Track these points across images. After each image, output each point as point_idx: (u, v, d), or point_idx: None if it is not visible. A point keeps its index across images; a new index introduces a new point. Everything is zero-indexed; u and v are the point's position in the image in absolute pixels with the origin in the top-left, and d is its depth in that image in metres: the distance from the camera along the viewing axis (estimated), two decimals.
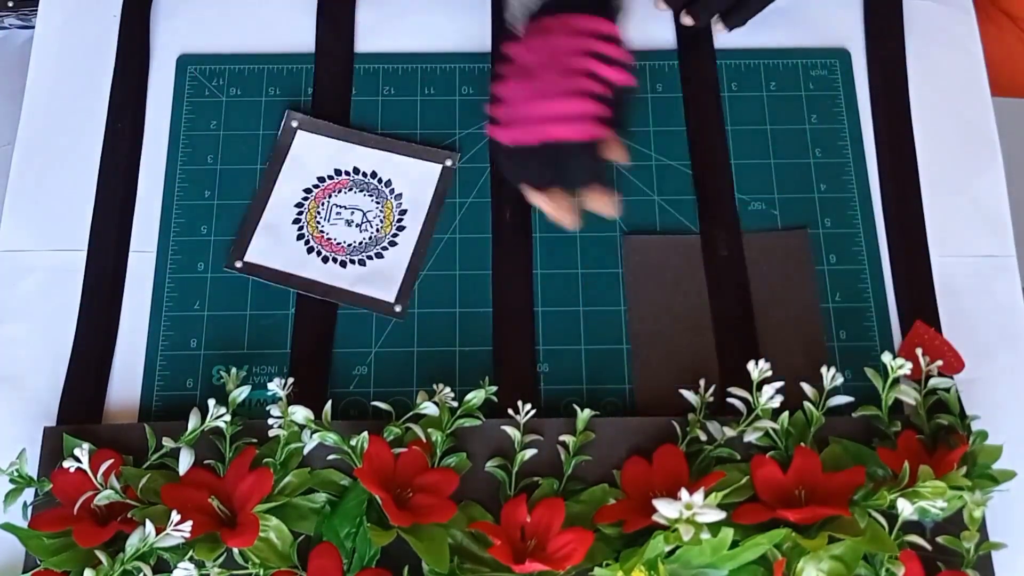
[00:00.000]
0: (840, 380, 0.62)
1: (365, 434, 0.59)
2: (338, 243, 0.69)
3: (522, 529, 0.58)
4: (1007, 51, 0.85)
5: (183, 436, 0.61)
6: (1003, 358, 0.67)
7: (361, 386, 0.67)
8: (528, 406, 0.62)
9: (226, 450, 0.62)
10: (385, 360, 0.68)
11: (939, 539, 0.58)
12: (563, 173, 0.63)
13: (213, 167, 0.73)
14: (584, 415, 0.63)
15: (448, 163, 0.71)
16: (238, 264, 0.68)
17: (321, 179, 0.70)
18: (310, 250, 0.68)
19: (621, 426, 0.63)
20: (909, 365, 0.61)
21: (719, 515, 0.52)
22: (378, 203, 0.69)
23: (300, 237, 0.69)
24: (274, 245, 0.69)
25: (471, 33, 0.77)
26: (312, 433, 0.59)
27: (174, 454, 0.61)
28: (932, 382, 0.63)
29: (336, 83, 0.75)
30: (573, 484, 0.62)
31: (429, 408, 0.61)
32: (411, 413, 0.62)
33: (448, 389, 0.63)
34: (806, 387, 0.63)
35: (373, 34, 0.77)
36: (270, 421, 0.60)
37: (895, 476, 0.58)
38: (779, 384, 0.61)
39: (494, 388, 0.63)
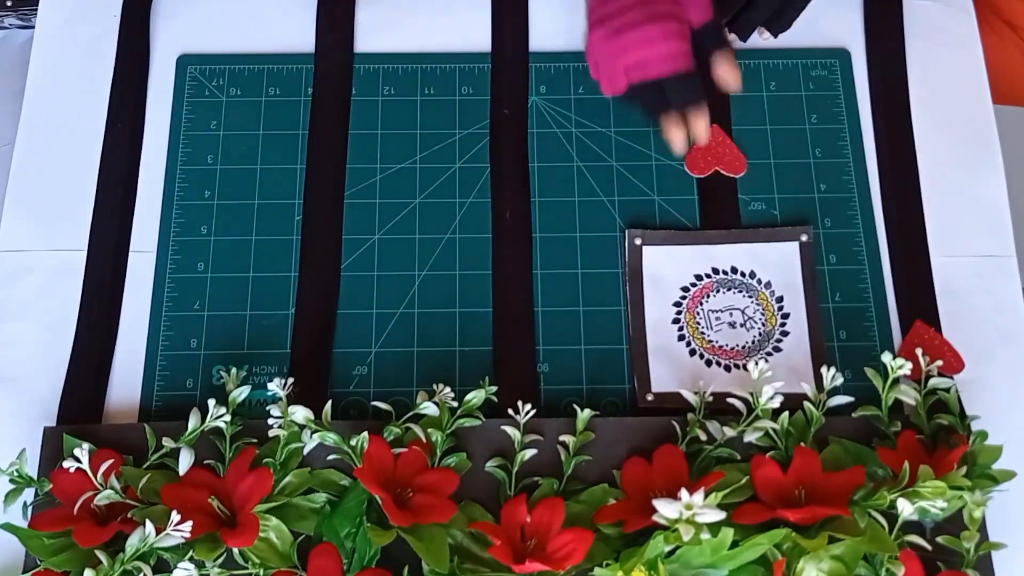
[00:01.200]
0: (840, 380, 0.62)
1: (365, 434, 0.59)
2: (731, 348, 0.67)
3: (522, 529, 0.58)
4: (1008, 60, 0.85)
5: (183, 436, 0.61)
6: (1003, 358, 0.67)
7: (361, 386, 0.67)
8: (528, 406, 0.62)
9: (226, 450, 0.62)
10: (385, 360, 0.68)
11: (939, 539, 0.58)
12: (664, 101, 0.68)
13: (213, 167, 0.73)
14: (584, 415, 0.63)
15: (804, 238, 0.69)
16: (649, 397, 0.66)
17: (686, 289, 0.69)
18: (708, 363, 0.67)
19: (621, 426, 0.63)
20: (909, 365, 0.61)
21: (719, 515, 0.52)
22: (752, 297, 0.68)
23: (692, 353, 0.67)
24: (674, 370, 0.67)
25: (471, 33, 0.77)
26: (312, 433, 0.59)
27: (174, 454, 0.61)
28: (932, 382, 0.63)
29: (336, 83, 0.75)
30: (573, 484, 0.62)
31: (429, 408, 0.61)
32: (411, 413, 0.62)
33: (448, 389, 0.63)
34: (806, 387, 0.63)
35: (373, 34, 0.77)
36: (270, 421, 0.60)
37: (895, 476, 0.57)
38: (779, 384, 0.61)
39: (494, 388, 0.63)
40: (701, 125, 0.68)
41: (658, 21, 0.66)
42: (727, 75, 0.70)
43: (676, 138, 0.69)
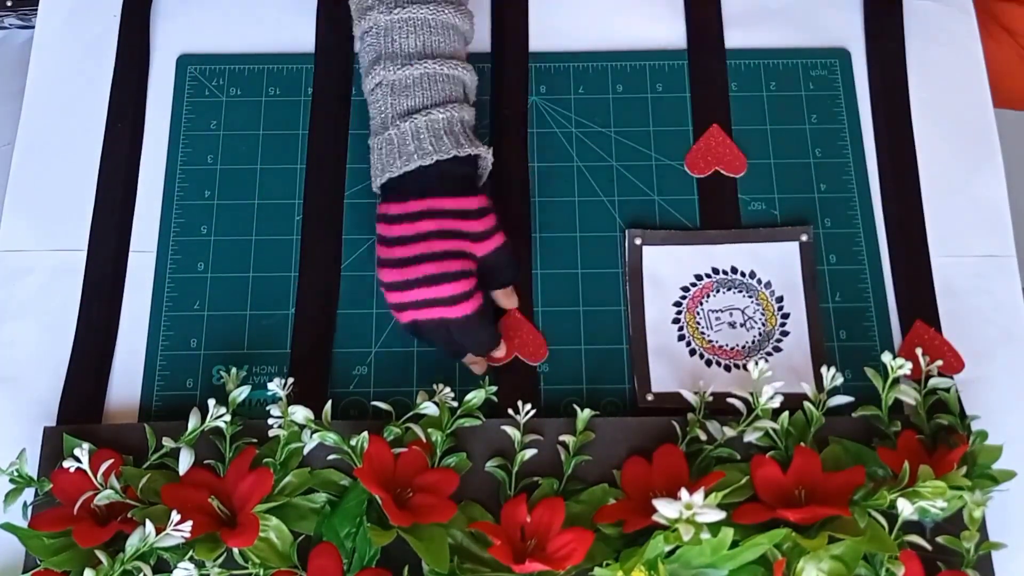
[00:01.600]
0: (840, 380, 0.62)
1: (365, 434, 0.59)
2: (731, 348, 0.67)
3: (522, 529, 0.58)
4: (1005, 65, 0.85)
5: (183, 436, 0.61)
6: (1003, 358, 0.67)
7: (361, 386, 0.67)
8: (528, 406, 0.62)
9: (226, 450, 0.62)
10: (385, 360, 0.68)
11: (939, 539, 0.58)
12: (460, 344, 0.64)
13: (213, 167, 0.73)
14: (584, 415, 0.63)
15: (804, 238, 0.69)
16: (649, 397, 0.66)
17: (686, 289, 0.69)
18: (708, 363, 0.67)
19: (621, 426, 0.63)
20: (909, 365, 0.61)
21: (719, 515, 0.52)
22: (752, 297, 0.68)
23: (692, 353, 0.67)
24: (674, 369, 0.67)
25: None
26: (312, 433, 0.59)
27: (174, 454, 0.61)
28: (932, 382, 0.63)
29: (336, 83, 0.75)
30: (573, 484, 0.62)
31: (429, 408, 0.61)
32: (411, 413, 0.62)
33: (448, 389, 0.63)
34: (806, 387, 0.63)
35: None
36: (270, 421, 0.60)
37: (895, 476, 0.57)
38: (779, 384, 0.61)
39: (494, 388, 0.63)
40: (479, 368, 0.66)
41: (449, 281, 0.61)
42: (506, 305, 0.67)
43: (476, 369, 0.67)
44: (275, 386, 0.61)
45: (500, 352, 0.66)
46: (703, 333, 0.68)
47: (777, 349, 0.68)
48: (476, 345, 0.65)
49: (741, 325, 0.68)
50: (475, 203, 0.64)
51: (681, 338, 0.68)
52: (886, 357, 0.62)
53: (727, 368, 0.67)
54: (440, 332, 0.62)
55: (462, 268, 0.62)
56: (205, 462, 0.62)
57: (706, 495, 0.52)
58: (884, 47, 0.76)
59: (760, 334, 0.68)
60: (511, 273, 0.66)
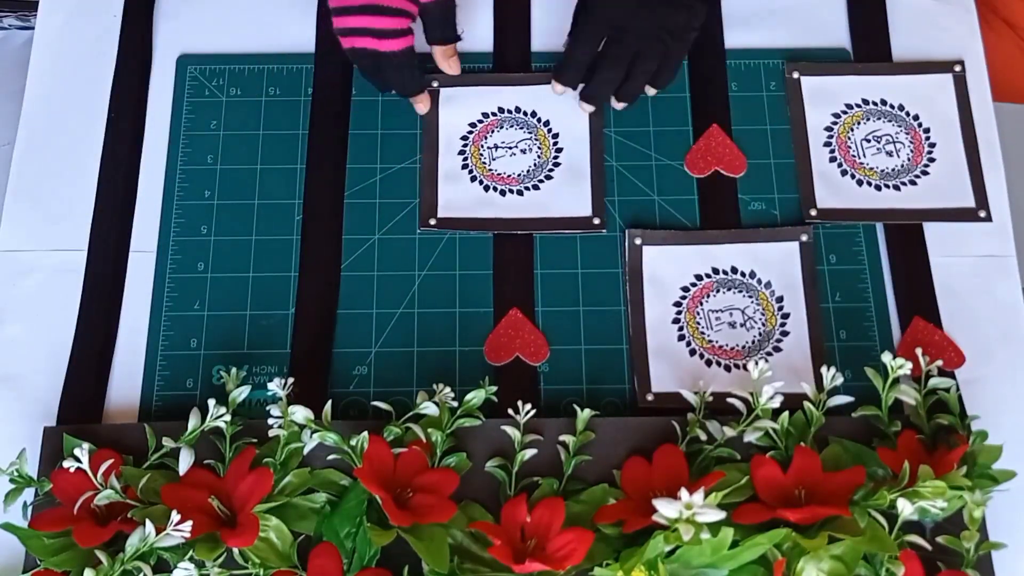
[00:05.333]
0: (840, 380, 0.62)
1: (365, 434, 0.59)
2: (731, 348, 0.67)
3: (522, 529, 0.58)
4: (1006, 58, 0.85)
5: (183, 436, 0.61)
6: (1003, 358, 0.67)
7: (361, 386, 0.67)
8: (528, 406, 0.62)
9: (226, 450, 0.62)
10: (385, 360, 0.68)
11: (939, 539, 0.58)
12: (383, 79, 0.72)
13: (213, 167, 0.73)
14: (584, 415, 0.63)
15: (804, 238, 0.69)
16: (649, 397, 0.66)
17: (686, 289, 0.69)
18: (708, 363, 0.67)
19: (621, 426, 0.63)
20: (909, 365, 0.61)
21: (719, 515, 0.52)
22: (752, 297, 0.68)
23: (692, 353, 0.67)
24: (674, 369, 0.67)
25: (471, 33, 0.76)
26: (312, 433, 0.59)
27: (174, 454, 0.61)
28: (932, 382, 0.63)
29: (336, 83, 0.75)
30: (573, 484, 0.62)
31: (429, 408, 0.61)
32: (411, 413, 0.62)
33: (448, 389, 0.63)
34: (806, 387, 0.63)
35: None
36: (270, 421, 0.60)
37: (895, 476, 0.57)
38: (779, 384, 0.61)
39: (494, 388, 0.63)
40: (421, 108, 0.73)
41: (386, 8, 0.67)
42: (444, 66, 0.73)
43: (420, 108, 0.73)
44: (275, 386, 0.61)
45: (422, 106, 0.73)
46: (703, 333, 0.68)
47: (777, 349, 0.68)
48: (400, 85, 0.72)
49: (741, 325, 0.68)
50: None
51: (681, 338, 0.68)
52: (886, 357, 0.62)
53: (727, 368, 0.67)
54: (367, 62, 0.69)
55: (400, 6, 0.67)
56: (205, 462, 0.62)
57: (706, 495, 0.52)
58: (872, 46, 0.76)
59: (760, 334, 0.68)
60: (450, 31, 0.72)
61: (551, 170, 0.71)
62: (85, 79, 0.76)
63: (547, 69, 0.74)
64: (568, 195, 0.71)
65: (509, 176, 0.71)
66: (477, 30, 0.77)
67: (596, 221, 0.70)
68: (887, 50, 0.76)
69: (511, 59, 0.76)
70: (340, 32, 0.69)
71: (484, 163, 0.71)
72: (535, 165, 0.71)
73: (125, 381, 0.67)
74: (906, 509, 0.55)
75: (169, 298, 0.69)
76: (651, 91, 0.73)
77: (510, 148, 0.72)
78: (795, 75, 0.74)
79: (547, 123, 0.72)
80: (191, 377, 0.67)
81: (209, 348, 0.68)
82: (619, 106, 0.73)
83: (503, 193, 0.71)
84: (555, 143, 0.72)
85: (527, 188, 0.71)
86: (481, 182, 0.71)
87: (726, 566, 0.56)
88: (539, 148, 0.72)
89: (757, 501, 0.58)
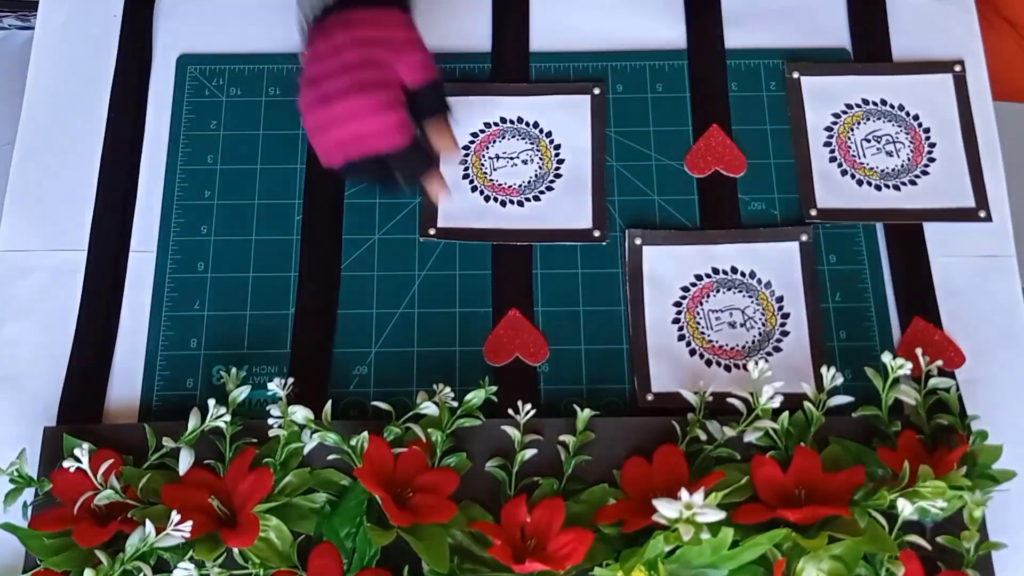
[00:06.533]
0: (840, 380, 0.62)
1: (365, 434, 0.59)
2: (731, 348, 0.67)
3: (522, 529, 0.58)
4: (1007, 57, 0.85)
5: (183, 436, 0.61)
6: (1003, 358, 0.67)
7: (361, 386, 0.67)
8: (528, 406, 0.62)
9: (226, 450, 0.62)
10: (385, 360, 0.68)
11: (939, 539, 0.58)
12: (390, 174, 0.64)
13: (213, 167, 0.73)
14: (584, 415, 0.62)
15: (804, 238, 0.69)
16: (649, 397, 0.66)
17: (686, 289, 0.69)
18: (708, 363, 0.67)
19: (621, 426, 0.63)
20: (909, 365, 0.61)
21: (719, 515, 0.52)
22: (752, 297, 0.68)
23: (692, 353, 0.67)
24: (674, 369, 0.67)
25: (471, 33, 0.76)
26: (312, 433, 0.59)
27: (174, 454, 0.61)
28: (932, 382, 0.63)
29: None
30: (573, 484, 0.62)
31: (429, 408, 0.61)
32: (411, 413, 0.62)
33: (448, 389, 0.63)
34: (806, 387, 0.63)
35: None
36: (270, 421, 0.60)
37: (895, 476, 0.57)
38: (779, 384, 0.61)
39: (494, 388, 0.63)
40: (435, 188, 0.66)
41: (368, 91, 0.61)
42: (439, 143, 0.66)
43: (436, 191, 0.67)
44: (275, 386, 0.61)
45: (436, 186, 0.66)
46: (703, 333, 0.68)
47: (777, 349, 0.68)
48: (419, 166, 0.64)
49: (741, 325, 0.68)
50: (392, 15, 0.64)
51: (681, 338, 0.68)
52: (886, 357, 0.62)
53: (727, 368, 0.67)
54: (374, 165, 0.62)
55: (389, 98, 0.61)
56: (205, 462, 0.62)
57: (706, 495, 0.52)
58: (871, 46, 0.76)
59: (760, 334, 0.68)
60: (437, 100, 0.65)
61: (552, 181, 0.71)
62: (85, 79, 0.76)
63: (550, 79, 0.74)
64: (569, 207, 0.71)
65: (510, 187, 0.71)
66: (476, 30, 0.77)
67: (597, 234, 0.70)
68: (887, 50, 0.76)
69: (510, 59, 0.76)
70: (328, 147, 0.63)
71: (485, 173, 0.71)
72: (536, 176, 0.71)
73: (125, 381, 0.67)
74: (906, 509, 0.55)
75: (169, 298, 0.69)
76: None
77: (511, 159, 0.72)
78: (795, 75, 0.74)
79: (549, 134, 0.72)
80: (191, 377, 0.67)
81: (209, 348, 0.68)
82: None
83: (504, 204, 0.71)
84: (557, 154, 0.72)
85: (528, 199, 0.71)
86: (482, 192, 0.71)
87: (726, 566, 0.56)
88: (540, 159, 0.72)
89: (757, 501, 0.58)
